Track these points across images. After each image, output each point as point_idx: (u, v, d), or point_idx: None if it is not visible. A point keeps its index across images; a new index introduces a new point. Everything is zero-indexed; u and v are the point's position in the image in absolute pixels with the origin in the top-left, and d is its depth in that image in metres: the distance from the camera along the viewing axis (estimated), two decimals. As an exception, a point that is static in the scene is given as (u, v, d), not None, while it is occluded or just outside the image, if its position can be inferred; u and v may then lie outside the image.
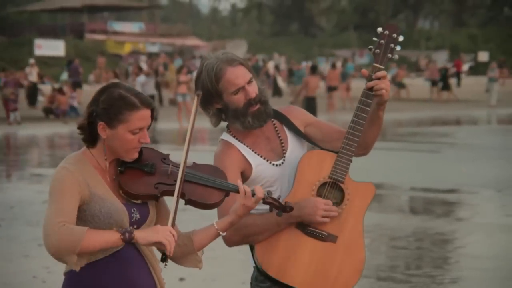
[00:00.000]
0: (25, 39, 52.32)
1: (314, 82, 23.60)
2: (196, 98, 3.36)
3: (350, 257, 3.58)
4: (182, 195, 3.30)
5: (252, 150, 3.69)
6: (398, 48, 3.60)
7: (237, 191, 3.34)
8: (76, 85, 34.57)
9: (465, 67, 52.83)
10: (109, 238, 3.10)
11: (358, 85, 38.57)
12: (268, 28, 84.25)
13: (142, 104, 3.24)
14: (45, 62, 45.29)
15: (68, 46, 49.67)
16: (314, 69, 25.24)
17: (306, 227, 3.55)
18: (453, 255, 8.99)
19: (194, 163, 3.45)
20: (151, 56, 49.75)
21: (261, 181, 3.66)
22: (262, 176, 3.67)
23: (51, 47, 48.63)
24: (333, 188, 3.60)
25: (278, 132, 3.77)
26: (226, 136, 3.75)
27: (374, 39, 3.64)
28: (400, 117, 27.64)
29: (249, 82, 3.61)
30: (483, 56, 52.13)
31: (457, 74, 40.11)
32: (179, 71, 26.82)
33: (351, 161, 3.59)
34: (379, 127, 3.71)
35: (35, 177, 14.54)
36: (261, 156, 3.68)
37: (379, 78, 3.56)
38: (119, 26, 61.46)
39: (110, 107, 3.22)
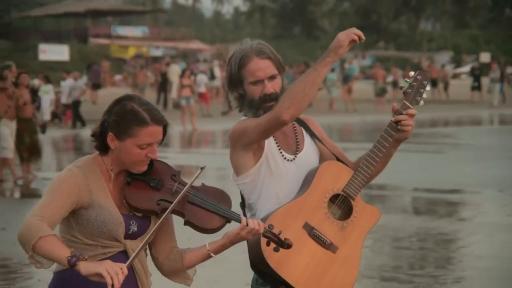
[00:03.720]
0: (29, 44, 52.48)
1: None
2: (199, 170, 3.35)
3: (345, 271, 3.64)
4: (182, 214, 3.33)
5: (272, 136, 3.72)
6: (424, 95, 3.77)
7: (238, 221, 3.37)
8: (96, 86, 35.10)
9: (467, 68, 52.77)
10: (59, 253, 3.02)
11: (360, 87, 38.59)
12: (270, 31, 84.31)
13: (153, 120, 3.26)
14: (49, 67, 45.38)
15: (72, 50, 49.81)
16: None
17: (312, 229, 3.60)
18: (456, 255, 9.03)
19: (203, 184, 3.46)
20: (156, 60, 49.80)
21: (269, 169, 3.70)
22: (272, 163, 3.70)
23: (55, 52, 48.77)
24: (343, 202, 3.68)
25: (296, 132, 3.82)
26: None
27: (406, 80, 3.79)
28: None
29: (271, 77, 3.67)
30: (485, 57, 52.10)
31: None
32: (182, 74, 26.88)
33: (365, 182, 3.69)
34: (385, 165, 3.81)
35: (40, 180, 14.59)
36: (277, 144, 3.74)
37: (409, 115, 3.70)
38: (122, 30, 61.58)
39: (121, 120, 3.25)
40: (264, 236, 3.39)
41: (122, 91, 37.15)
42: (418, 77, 3.78)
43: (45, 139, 23.02)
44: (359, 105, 33.77)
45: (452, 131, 23.57)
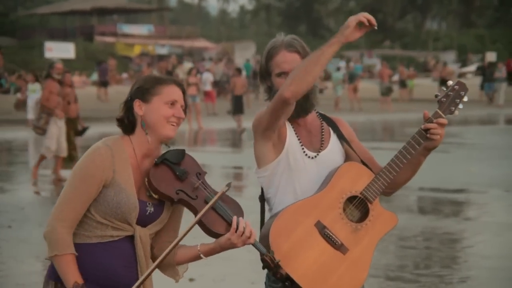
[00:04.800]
0: (35, 41, 52.53)
1: (240, 82, 25.09)
2: (226, 187, 3.41)
3: (353, 273, 3.62)
4: (195, 211, 3.39)
5: (294, 131, 3.75)
6: (460, 106, 3.73)
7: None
8: (103, 84, 35.18)
9: (472, 67, 52.74)
10: (68, 278, 3.29)
11: (365, 86, 38.56)
12: (276, 29, 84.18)
13: (172, 81, 3.46)
14: (55, 65, 45.43)
15: (78, 48, 49.82)
16: (239, 71, 26.69)
17: (323, 228, 3.59)
18: (461, 255, 9.02)
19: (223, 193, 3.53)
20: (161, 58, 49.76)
21: (288, 163, 3.70)
22: (292, 159, 3.70)
23: (61, 50, 48.74)
24: (360, 205, 3.67)
25: (323, 131, 3.81)
26: None
27: (443, 88, 3.76)
28: (409, 117, 27.65)
29: None
30: (491, 57, 52.02)
31: (510, 75, 38.94)
32: (189, 72, 26.91)
33: (385, 186, 3.67)
34: (413, 174, 3.78)
35: (46, 178, 14.60)
36: (299, 140, 3.74)
37: (439, 124, 3.66)
38: (128, 29, 61.56)
39: (144, 84, 3.44)
40: (262, 258, 3.41)
41: (128, 89, 37.21)
42: (455, 87, 3.74)
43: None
44: (364, 104, 33.76)
45: (458, 131, 23.52)
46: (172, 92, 3.42)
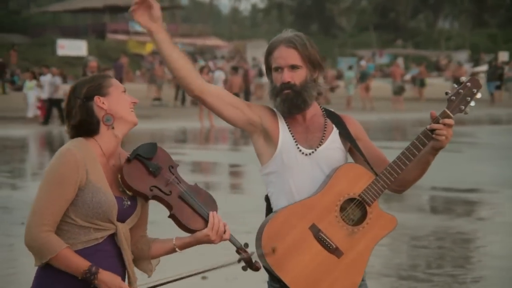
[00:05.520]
0: (47, 39, 52.65)
1: (236, 80, 25.80)
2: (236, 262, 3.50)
3: (346, 277, 3.54)
4: (170, 207, 3.38)
5: (288, 128, 3.71)
6: (472, 104, 3.61)
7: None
8: (119, 81, 35.38)
9: (485, 67, 52.62)
10: (74, 269, 3.25)
11: (377, 85, 38.49)
12: (288, 28, 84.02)
13: (109, 75, 3.54)
14: (67, 62, 45.54)
15: (90, 46, 49.91)
16: (235, 70, 27.06)
17: (318, 231, 3.54)
18: (474, 255, 8.99)
19: (195, 184, 3.52)
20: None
21: (283, 162, 3.67)
22: (285, 156, 3.67)
23: (73, 47, 48.86)
24: (358, 207, 3.59)
25: (325, 128, 3.74)
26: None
27: (455, 85, 3.66)
28: (421, 116, 27.57)
29: (292, 67, 3.65)
30: (503, 56, 51.81)
31: None
32: (201, 71, 26.94)
33: (385, 188, 3.59)
34: (423, 172, 3.70)
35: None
36: (293, 136, 3.69)
37: (445, 124, 3.56)
38: (140, 26, 61.52)
39: (92, 82, 3.42)
40: (238, 252, 3.44)
41: (140, 86, 37.25)
42: (467, 84, 3.61)
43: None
44: (376, 103, 33.72)
45: (469, 130, 23.46)
46: (118, 82, 3.47)
